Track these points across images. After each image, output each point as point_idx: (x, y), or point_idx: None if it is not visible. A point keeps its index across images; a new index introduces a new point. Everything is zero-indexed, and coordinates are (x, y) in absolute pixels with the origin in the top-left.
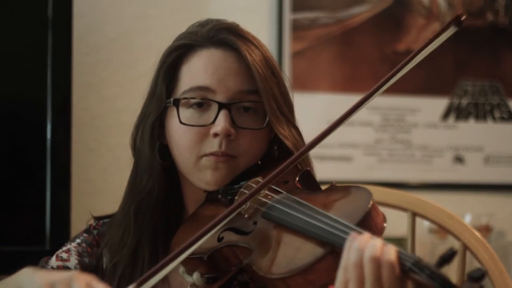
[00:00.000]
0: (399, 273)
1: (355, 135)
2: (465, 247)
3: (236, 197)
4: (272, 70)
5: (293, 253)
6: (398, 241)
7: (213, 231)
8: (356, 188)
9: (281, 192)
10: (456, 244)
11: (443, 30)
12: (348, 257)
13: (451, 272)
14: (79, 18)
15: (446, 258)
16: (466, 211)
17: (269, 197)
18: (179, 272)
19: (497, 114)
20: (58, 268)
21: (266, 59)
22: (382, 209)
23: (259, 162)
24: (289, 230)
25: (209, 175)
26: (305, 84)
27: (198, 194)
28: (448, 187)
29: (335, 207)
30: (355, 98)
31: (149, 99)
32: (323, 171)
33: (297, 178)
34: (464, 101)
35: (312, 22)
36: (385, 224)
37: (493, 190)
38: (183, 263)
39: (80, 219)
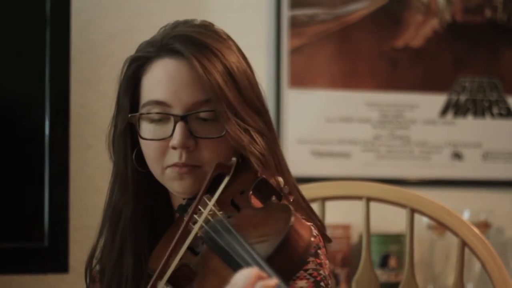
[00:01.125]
0: None
1: (353, 132)
2: (464, 243)
3: (184, 217)
4: (231, 75)
5: (218, 284)
6: (396, 238)
7: (172, 268)
8: (281, 208)
9: (216, 215)
10: (455, 241)
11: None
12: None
13: (450, 269)
14: (77, 14)
15: None
16: (465, 207)
17: (214, 216)
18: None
19: (495, 110)
20: None
21: (222, 63)
22: (380, 205)
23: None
24: (218, 257)
25: (176, 185)
26: (303, 80)
27: (181, 199)
28: (446, 184)
29: (261, 232)
30: (353, 95)
31: (115, 112)
32: (321, 167)
33: (251, 191)
34: (463, 98)
35: (310, 18)
36: (312, 239)
37: (491, 186)
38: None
39: (78, 216)
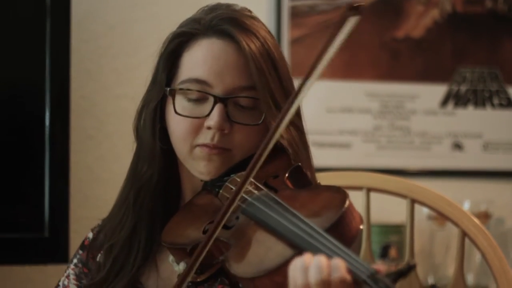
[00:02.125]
0: (351, 284)
1: (354, 122)
2: (464, 234)
3: (221, 191)
4: (273, 63)
5: (264, 253)
6: (397, 228)
7: (214, 237)
8: (335, 189)
9: (261, 189)
10: (455, 231)
11: (340, 24)
12: (294, 278)
13: (450, 260)
14: (77, 4)
15: (403, 272)
16: (465, 198)
17: (250, 193)
18: (169, 261)
19: (496, 100)
20: None
21: (267, 52)
22: (380, 196)
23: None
24: (264, 228)
25: (203, 165)
26: (304, 71)
27: (195, 181)
28: (447, 174)
29: (311, 209)
30: (353, 85)
31: (151, 86)
32: (322, 158)
33: (286, 174)
34: (463, 88)
35: (310, 8)
36: (361, 227)
37: (492, 176)
38: (170, 252)
39: (79, 206)
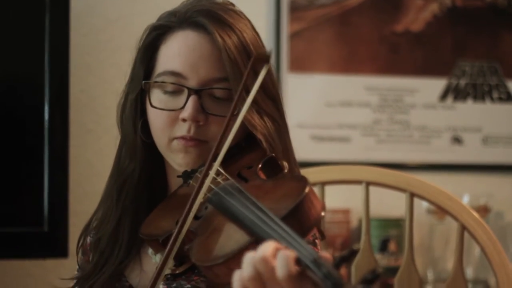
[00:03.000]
0: (296, 271)
1: (353, 116)
2: (463, 228)
3: (191, 181)
4: (249, 56)
5: (224, 241)
6: (396, 222)
7: (184, 230)
8: (297, 178)
9: (228, 179)
10: (454, 225)
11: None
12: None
13: (449, 253)
14: None
15: (346, 257)
16: (464, 192)
17: (219, 184)
18: (149, 253)
19: (495, 94)
20: None
21: (243, 45)
22: (380, 190)
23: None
24: (226, 217)
25: (180, 157)
26: (303, 65)
27: (178, 172)
28: (446, 168)
29: (272, 198)
30: (353, 79)
31: (129, 79)
32: (321, 152)
33: (260, 165)
34: (463, 82)
35: (310, 2)
36: (322, 213)
37: (491, 170)
38: (148, 243)
39: (78, 201)
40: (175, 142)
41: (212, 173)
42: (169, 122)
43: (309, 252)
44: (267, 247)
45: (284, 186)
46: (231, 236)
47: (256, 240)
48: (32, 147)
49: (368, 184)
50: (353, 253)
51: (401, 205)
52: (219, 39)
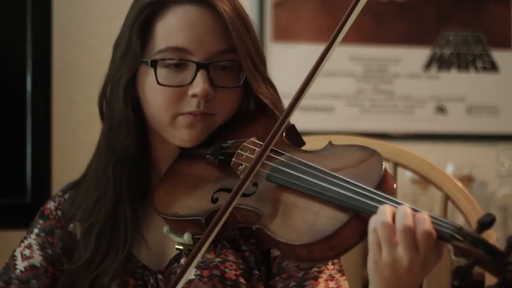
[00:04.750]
0: (436, 239)
1: (337, 86)
2: (447, 197)
3: (234, 159)
4: (245, 25)
5: (312, 218)
6: None
7: (235, 201)
8: (363, 149)
9: (282, 153)
10: (438, 194)
11: (354, 6)
12: (376, 220)
13: None
14: None
15: (487, 223)
16: (448, 162)
17: (269, 158)
18: (163, 231)
19: (479, 64)
20: (26, 270)
21: (239, 14)
22: None
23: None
24: (301, 193)
25: (185, 133)
26: (287, 34)
27: (170, 149)
28: (430, 138)
29: (346, 170)
30: (337, 49)
31: (121, 58)
32: (305, 122)
33: (284, 134)
34: (447, 51)
35: None
36: (395, 185)
37: (475, 140)
38: (169, 223)
39: (61, 171)
40: (180, 118)
41: (269, 149)
42: (175, 98)
43: (446, 223)
44: (406, 213)
45: (352, 157)
46: (320, 213)
47: (357, 215)
48: (15, 118)
49: None
50: (493, 219)
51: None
52: (223, 11)
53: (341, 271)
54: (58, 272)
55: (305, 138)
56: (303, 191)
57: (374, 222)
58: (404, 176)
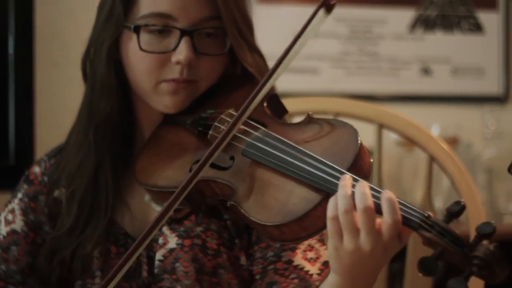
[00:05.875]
0: (400, 223)
1: (321, 47)
2: (432, 159)
3: (211, 132)
4: None
5: (284, 197)
6: None
7: (200, 173)
8: (339, 124)
9: (258, 127)
10: (423, 156)
11: (312, 17)
12: (339, 205)
13: (418, 185)
14: None
15: (456, 213)
16: (434, 123)
17: (246, 132)
18: (144, 200)
19: (465, 25)
20: (8, 235)
21: None
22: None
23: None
24: (275, 171)
25: (168, 99)
26: None
27: (153, 114)
28: (415, 99)
29: (321, 147)
30: (321, 10)
31: (104, 22)
32: (290, 83)
33: (265, 103)
34: (432, 13)
35: None
36: (371, 160)
37: (460, 102)
38: (150, 193)
39: (44, 134)
40: (163, 85)
41: (241, 120)
42: (158, 65)
43: (415, 210)
44: (364, 194)
45: (328, 133)
46: (293, 193)
47: (327, 196)
48: None
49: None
50: (462, 208)
51: (370, 137)
52: None
53: (321, 240)
54: (39, 239)
55: (287, 100)
56: (277, 168)
57: (334, 209)
58: (389, 138)
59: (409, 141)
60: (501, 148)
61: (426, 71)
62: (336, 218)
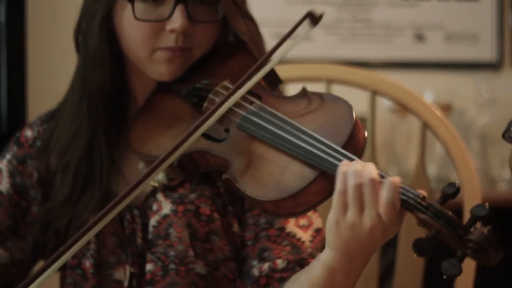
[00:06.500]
0: (399, 208)
1: None
2: (425, 126)
3: (205, 104)
4: None
5: (279, 173)
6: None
7: (191, 140)
8: (334, 99)
9: (253, 101)
10: (417, 123)
11: (295, 28)
12: (346, 181)
13: (412, 151)
14: None
15: (450, 194)
16: (427, 90)
17: (241, 105)
18: (138, 167)
19: None
20: None
21: None
22: (341, 88)
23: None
24: (270, 146)
25: (164, 67)
26: None
27: (147, 83)
28: (409, 66)
29: (316, 122)
30: None
31: None
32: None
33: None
34: None
35: None
36: (366, 134)
37: (454, 68)
38: (144, 162)
39: (37, 101)
40: (158, 53)
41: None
42: (153, 33)
43: (410, 192)
44: (372, 170)
45: (322, 109)
46: (287, 169)
47: (323, 173)
48: None
49: (329, 81)
50: (458, 190)
51: (363, 104)
52: None
53: None
54: (24, 203)
55: (280, 67)
56: (272, 143)
57: (343, 182)
58: (383, 105)
59: (403, 108)
60: (494, 115)
61: (419, 37)
62: (344, 192)
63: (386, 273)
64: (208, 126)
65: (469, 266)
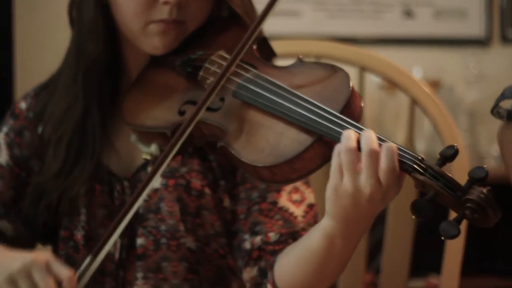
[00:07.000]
0: (399, 171)
1: None
2: (414, 102)
3: (201, 73)
4: None
5: (275, 139)
6: None
7: (200, 114)
8: (331, 68)
9: (249, 69)
10: (405, 99)
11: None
12: (342, 142)
13: (400, 128)
14: None
15: (448, 156)
16: (416, 66)
17: (237, 74)
18: (131, 140)
19: None
20: None
21: None
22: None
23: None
24: (266, 113)
25: (158, 40)
26: None
27: (141, 56)
28: (397, 42)
29: (312, 89)
30: None
31: None
32: (270, 26)
33: (254, 46)
34: None
35: None
36: (362, 104)
37: (442, 44)
38: (137, 133)
39: (24, 77)
40: (152, 26)
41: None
42: (146, 6)
43: (409, 153)
44: (372, 137)
45: (319, 76)
46: (284, 135)
47: (319, 138)
48: None
49: (317, 58)
50: (457, 152)
51: (351, 79)
52: None
53: (306, 182)
54: (24, 173)
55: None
56: (268, 110)
57: (338, 146)
58: (371, 81)
59: (391, 84)
60: (483, 91)
61: (408, 13)
62: (339, 155)
63: (375, 249)
64: (212, 98)
65: (458, 242)
